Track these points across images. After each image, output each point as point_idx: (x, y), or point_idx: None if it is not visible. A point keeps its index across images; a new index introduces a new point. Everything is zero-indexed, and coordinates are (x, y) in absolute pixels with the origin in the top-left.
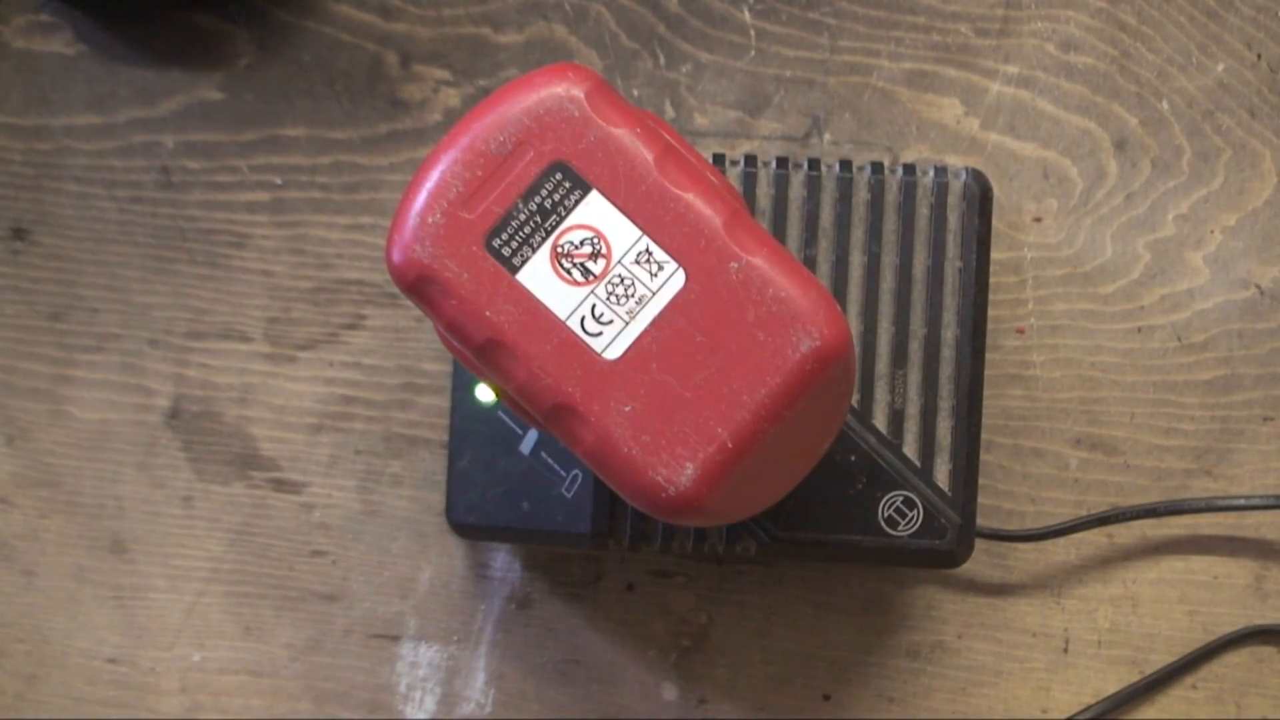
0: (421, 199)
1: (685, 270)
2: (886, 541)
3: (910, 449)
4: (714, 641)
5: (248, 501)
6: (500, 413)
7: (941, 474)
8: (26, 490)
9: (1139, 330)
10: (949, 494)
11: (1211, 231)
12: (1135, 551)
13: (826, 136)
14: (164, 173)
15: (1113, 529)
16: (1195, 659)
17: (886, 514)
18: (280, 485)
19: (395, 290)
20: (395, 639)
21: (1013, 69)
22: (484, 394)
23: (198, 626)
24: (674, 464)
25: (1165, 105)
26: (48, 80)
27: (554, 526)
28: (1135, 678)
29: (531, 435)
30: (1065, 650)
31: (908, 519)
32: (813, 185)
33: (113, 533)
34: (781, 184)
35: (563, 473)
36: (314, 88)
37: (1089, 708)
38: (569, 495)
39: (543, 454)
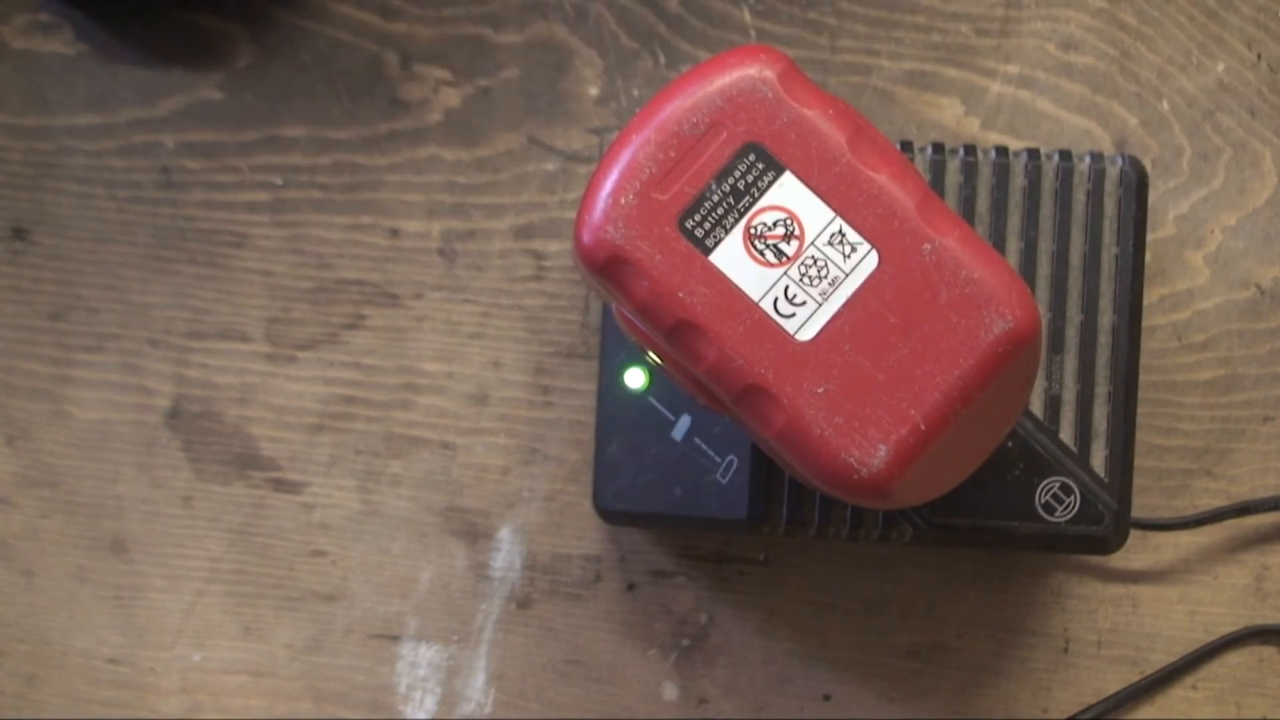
0: (613, 180)
1: (878, 251)
2: (1042, 527)
3: (1067, 434)
4: (714, 641)
5: (248, 501)
6: (651, 399)
7: (1098, 460)
8: (26, 490)
9: None
10: (1105, 480)
11: (1211, 231)
12: (1135, 551)
13: None
14: (164, 173)
15: None
16: (1195, 659)
17: (1043, 500)
18: (280, 485)
19: (395, 290)
20: (395, 639)
21: (1013, 69)
22: (633, 380)
23: (198, 626)
24: (867, 446)
25: (1165, 105)
26: (48, 80)
27: (709, 513)
28: (1135, 678)
29: (685, 421)
30: (1065, 650)
31: (1065, 505)
32: (969, 171)
33: (113, 533)
34: (938, 170)
35: (718, 458)
36: (314, 88)
37: (1089, 708)
38: (724, 481)
39: (696, 440)
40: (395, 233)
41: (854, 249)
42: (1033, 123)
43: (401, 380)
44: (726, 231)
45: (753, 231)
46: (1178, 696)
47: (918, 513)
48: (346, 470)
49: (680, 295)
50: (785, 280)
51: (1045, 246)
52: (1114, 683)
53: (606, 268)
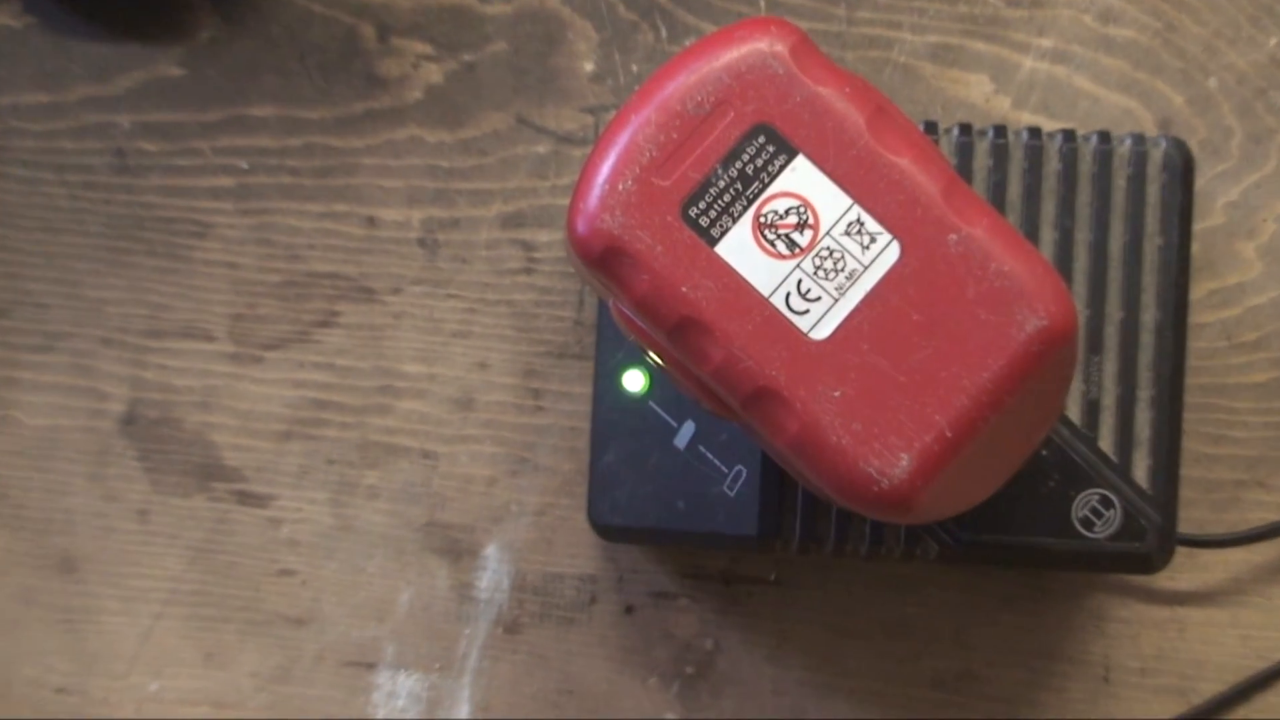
0: (610, 164)
1: (900, 242)
2: (1080, 544)
3: (1106, 443)
4: (721, 669)
5: (209, 516)
6: (651, 403)
7: (1140, 470)
8: None
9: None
10: (1149, 492)
11: (1264, 220)
12: (1181, 569)
13: None
14: (119, 156)
15: None
16: (1248, 688)
17: (1081, 514)
18: (245, 498)
19: (372, 285)
20: (371, 667)
21: (1047, 43)
22: (632, 382)
23: (154, 653)
24: (887, 454)
25: (1213, 82)
26: None
27: (714, 527)
28: (1183, 708)
29: (688, 428)
30: (1106, 679)
31: (1104, 519)
32: (999, 154)
33: (62, 550)
34: (965, 153)
35: (724, 469)
36: (283, 63)
37: None
38: (731, 493)
39: (700, 448)
40: (372, 221)
41: (873, 239)
42: (1069, 101)
43: (378, 383)
44: (734, 220)
45: (763, 220)
46: None
47: (943, 528)
48: (318, 481)
49: (683, 290)
50: (798, 273)
51: (1082, 237)
52: (1159, 714)
53: (603, 260)
